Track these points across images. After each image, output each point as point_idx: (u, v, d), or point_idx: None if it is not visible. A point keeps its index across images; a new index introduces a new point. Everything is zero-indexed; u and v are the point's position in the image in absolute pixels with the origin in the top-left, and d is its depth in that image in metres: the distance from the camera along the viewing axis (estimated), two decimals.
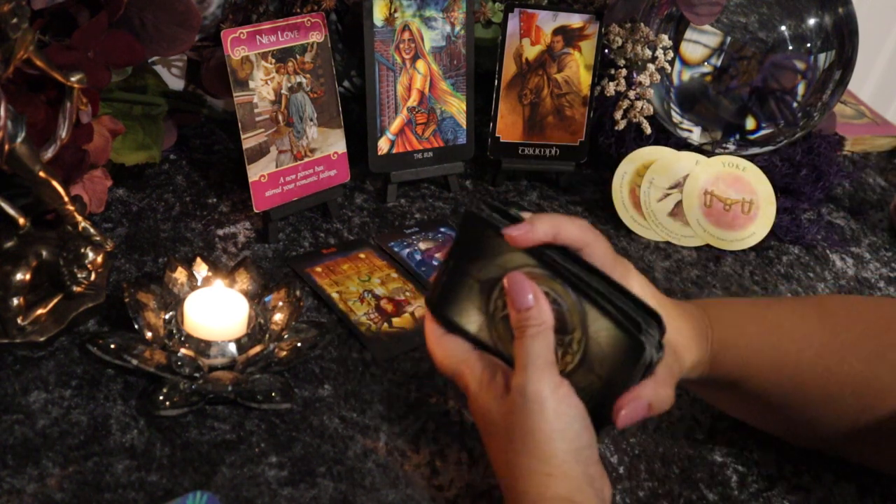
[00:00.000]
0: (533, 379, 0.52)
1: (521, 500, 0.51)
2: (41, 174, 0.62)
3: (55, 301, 0.64)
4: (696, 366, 0.59)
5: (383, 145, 0.84)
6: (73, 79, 0.62)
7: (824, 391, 0.60)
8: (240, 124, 0.74)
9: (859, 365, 0.60)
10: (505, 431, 0.52)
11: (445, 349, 0.57)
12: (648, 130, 0.90)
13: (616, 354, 0.52)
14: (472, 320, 0.56)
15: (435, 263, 0.78)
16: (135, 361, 0.60)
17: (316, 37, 0.78)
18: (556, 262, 0.54)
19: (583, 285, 0.53)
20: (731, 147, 0.95)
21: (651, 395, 0.54)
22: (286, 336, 0.66)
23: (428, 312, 0.58)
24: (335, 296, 0.72)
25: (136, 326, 0.63)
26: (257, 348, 0.64)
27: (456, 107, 0.87)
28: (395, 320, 0.71)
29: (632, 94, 0.88)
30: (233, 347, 0.63)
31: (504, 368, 0.55)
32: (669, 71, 0.91)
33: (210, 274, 0.68)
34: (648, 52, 0.87)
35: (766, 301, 0.66)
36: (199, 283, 0.68)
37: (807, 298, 0.66)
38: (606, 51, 0.91)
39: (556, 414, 0.51)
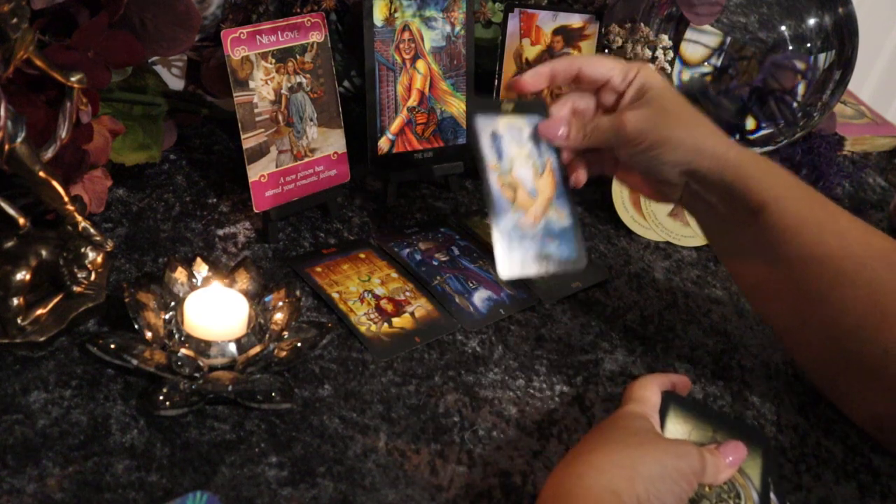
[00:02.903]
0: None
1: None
2: (41, 174, 0.62)
3: (55, 301, 0.64)
4: (720, 136, 0.66)
5: (383, 145, 0.84)
6: (73, 79, 0.62)
7: (843, 257, 0.62)
8: (240, 124, 0.74)
9: (879, 264, 0.62)
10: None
11: None
12: None
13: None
14: None
15: (435, 263, 0.78)
16: (135, 361, 0.60)
17: (316, 37, 0.78)
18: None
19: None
20: None
21: (566, 122, 0.68)
22: (286, 336, 0.66)
23: None
24: (335, 296, 0.72)
25: (136, 326, 0.63)
26: (257, 348, 0.64)
27: (456, 107, 0.87)
28: (395, 320, 0.71)
29: None
30: (233, 347, 0.63)
31: None
32: (669, 71, 0.91)
33: (210, 274, 0.68)
34: (648, 52, 0.87)
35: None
36: (199, 283, 0.68)
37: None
38: (606, 51, 0.91)
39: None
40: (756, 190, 0.64)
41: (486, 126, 0.68)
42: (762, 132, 0.94)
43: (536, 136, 0.69)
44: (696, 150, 0.65)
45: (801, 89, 0.92)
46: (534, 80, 0.69)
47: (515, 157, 0.68)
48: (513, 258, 0.65)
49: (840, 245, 0.63)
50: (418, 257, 0.79)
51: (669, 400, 0.60)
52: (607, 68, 0.69)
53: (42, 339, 0.62)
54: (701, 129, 0.66)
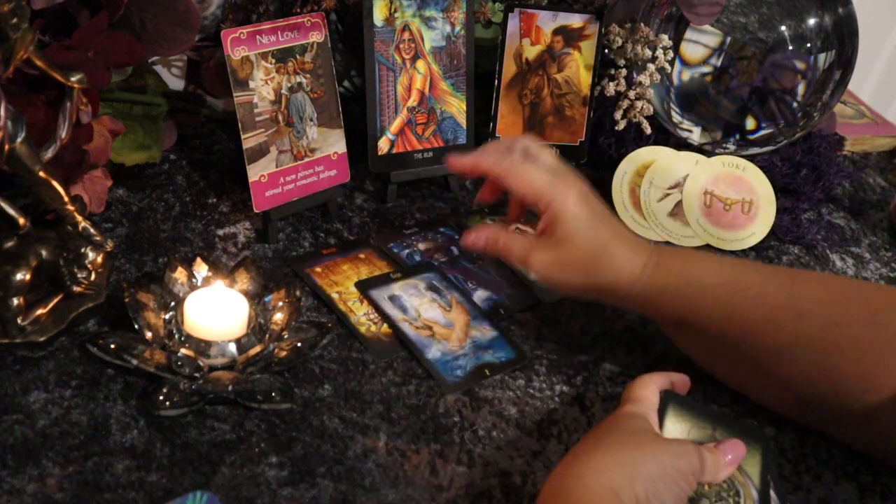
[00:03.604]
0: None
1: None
2: (41, 174, 0.62)
3: (55, 301, 0.64)
4: (625, 272, 0.65)
5: (383, 145, 0.84)
6: (73, 79, 0.62)
7: (774, 345, 0.62)
8: (240, 124, 0.74)
9: (815, 329, 0.61)
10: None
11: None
12: (648, 130, 0.90)
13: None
14: None
15: (435, 264, 0.78)
16: (135, 361, 0.60)
17: (316, 37, 0.78)
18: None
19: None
20: (731, 147, 0.95)
21: (492, 235, 0.68)
22: (286, 336, 0.66)
23: None
24: (335, 296, 0.72)
25: (136, 326, 0.63)
26: (257, 348, 0.64)
27: (456, 107, 0.87)
28: None
29: (632, 94, 0.88)
30: (233, 347, 0.63)
31: None
32: (669, 71, 0.91)
33: (210, 274, 0.68)
34: (648, 52, 0.87)
35: (729, 259, 0.69)
36: (199, 283, 0.68)
37: (778, 267, 0.68)
38: (606, 51, 0.91)
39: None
40: (670, 309, 0.65)
41: (382, 294, 0.72)
42: (762, 132, 0.94)
43: (434, 286, 0.74)
44: (600, 293, 0.67)
45: (801, 89, 0.92)
46: (463, 169, 0.69)
47: (419, 306, 0.72)
48: (454, 376, 0.67)
49: (741, 324, 0.63)
50: (418, 258, 0.79)
51: (668, 399, 0.60)
52: (526, 187, 0.66)
53: (42, 339, 0.62)
54: (608, 270, 0.65)
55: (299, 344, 0.64)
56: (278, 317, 0.67)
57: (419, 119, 0.85)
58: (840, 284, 0.67)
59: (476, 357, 0.69)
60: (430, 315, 0.71)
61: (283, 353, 0.64)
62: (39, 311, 0.63)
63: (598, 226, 0.65)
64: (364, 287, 0.73)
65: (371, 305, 0.71)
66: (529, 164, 0.66)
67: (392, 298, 0.72)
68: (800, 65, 0.91)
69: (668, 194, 0.90)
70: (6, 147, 0.59)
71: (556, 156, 0.68)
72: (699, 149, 0.95)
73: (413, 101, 0.85)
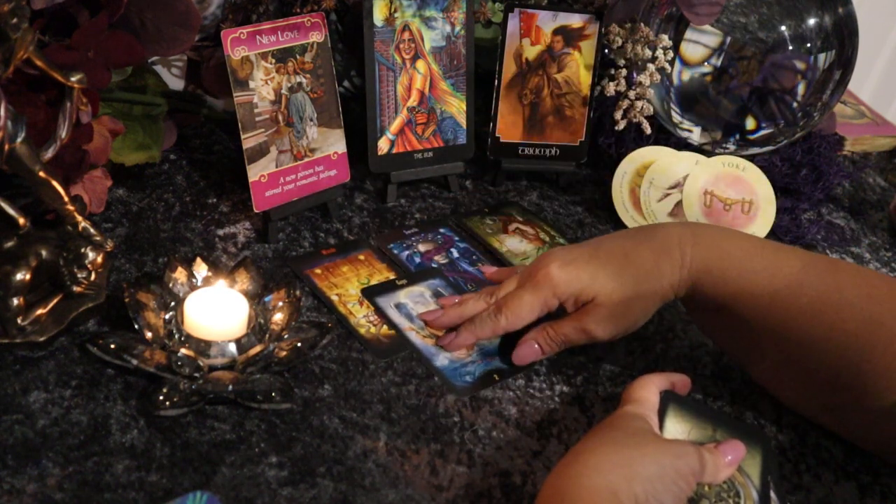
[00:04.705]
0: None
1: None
2: (41, 174, 0.62)
3: (55, 301, 0.64)
4: (673, 285, 0.66)
5: (383, 145, 0.84)
6: (73, 79, 0.62)
7: (809, 335, 0.62)
8: (240, 124, 0.74)
9: (854, 324, 0.61)
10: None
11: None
12: (648, 130, 0.90)
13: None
14: None
15: (434, 266, 0.78)
16: (135, 361, 0.60)
17: (316, 37, 0.78)
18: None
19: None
20: (731, 147, 0.95)
21: (540, 336, 0.68)
22: (286, 336, 0.66)
23: None
24: (335, 298, 0.72)
25: (136, 326, 0.63)
26: (257, 348, 0.64)
27: (456, 107, 0.87)
28: None
29: (632, 94, 0.88)
30: (233, 347, 0.63)
31: None
32: (669, 71, 0.91)
33: (210, 274, 0.68)
34: (648, 52, 0.87)
35: (773, 243, 0.68)
36: (199, 283, 0.68)
37: (816, 254, 0.67)
38: (606, 51, 0.91)
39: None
40: (711, 296, 0.66)
41: (388, 302, 0.72)
42: (762, 132, 0.94)
43: (440, 294, 0.74)
44: (659, 301, 0.67)
45: (801, 89, 0.92)
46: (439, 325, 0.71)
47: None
48: (464, 381, 0.67)
49: (783, 311, 0.64)
50: (417, 260, 0.79)
51: (668, 399, 0.60)
52: (529, 316, 0.68)
53: (42, 339, 0.62)
54: (656, 289, 0.66)
55: (299, 344, 0.64)
56: (278, 317, 0.67)
57: (419, 119, 0.85)
58: (879, 280, 0.66)
59: (484, 363, 0.69)
60: None
61: (283, 353, 0.64)
62: (39, 311, 0.63)
63: (622, 275, 0.66)
64: (370, 294, 0.73)
65: (378, 313, 0.71)
66: (514, 306, 0.67)
67: (398, 307, 0.72)
68: (800, 65, 0.90)
69: (668, 194, 0.90)
70: (6, 147, 0.59)
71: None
72: (699, 149, 0.95)
73: (413, 101, 0.85)
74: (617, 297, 0.66)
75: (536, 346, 0.68)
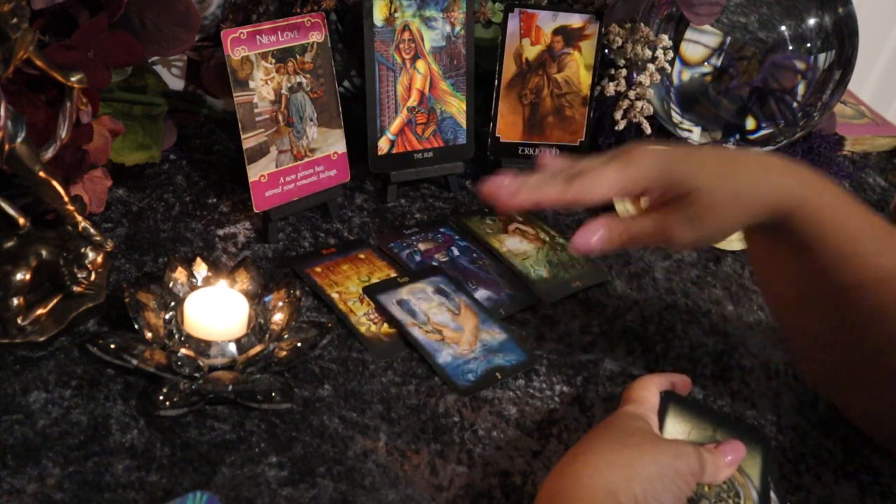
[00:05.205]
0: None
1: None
2: (41, 174, 0.62)
3: (55, 301, 0.64)
4: (777, 202, 0.58)
5: (383, 145, 0.84)
6: (73, 79, 0.62)
7: (878, 304, 0.58)
8: (240, 124, 0.74)
9: None
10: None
11: None
12: (648, 130, 0.90)
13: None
14: None
15: (434, 264, 0.78)
16: (135, 361, 0.60)
17: (316, 37, 0.78)
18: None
19: None
20: (732, 147, 0.95)
21: (612, 222, 0.59)
22: (286, 336, 0.66)
23: None
24: (335, 296, 0.72)
25: (136, 326, 0.63)
26: (257, 348, 0.64)
27: (456, 107, 0.87)
28: None
29: (632, 94, 0.88)
30: (233, 347, 0.63)
31: None
32: (669, 71, 0.91)
33: (210, 274, 0.68)
34: (648, 52, 0.87)
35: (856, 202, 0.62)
36: (199, 283, 0.68)
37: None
38: (606, 51, 0.91)
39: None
40: (807, 233, 0.60)
41: (390, 299, 0.72)
42: (762, 132, 0.94)
43: (442, 290, 0.74)
44: (752, 215, 0.59)
45: (801, 89, 0.92)
46: (517, 207, 0.60)
47: (428, 310, 0.72)
48: (465, 380, 0.67)
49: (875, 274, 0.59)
50: (418, 258, 0.79)
51: (668, 399, 0.60)
52: (607, 191, 0.58)
53: (42, 339, 0.62)
54: (747, 193, 0.58)
55: (299, 344, 0.64)
56: (278, 317, 0.67)
57: (419, 119, 0.85)
58: None
59: (487, 360, 0.69)
60: (440, 319, 0.71)
61: (283, 353, 0.64)
62: (39, 311, 0.63)
63: (727, 175, 0.58)
64: (372, 292, 0.73)
65: (379, 311, 0.71)
66: (593, 175, 0.58)
67: (401, 303, 0.72)
68: (800, 65, 0.90)
69: None
70: (6, 147, 0.59)
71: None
72: None
73: (413, 100, 0.85)
74: (718, 195, 0.57)
75: (602, 231, 0.59)
